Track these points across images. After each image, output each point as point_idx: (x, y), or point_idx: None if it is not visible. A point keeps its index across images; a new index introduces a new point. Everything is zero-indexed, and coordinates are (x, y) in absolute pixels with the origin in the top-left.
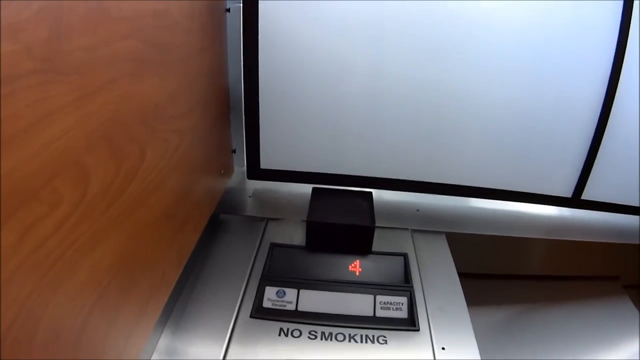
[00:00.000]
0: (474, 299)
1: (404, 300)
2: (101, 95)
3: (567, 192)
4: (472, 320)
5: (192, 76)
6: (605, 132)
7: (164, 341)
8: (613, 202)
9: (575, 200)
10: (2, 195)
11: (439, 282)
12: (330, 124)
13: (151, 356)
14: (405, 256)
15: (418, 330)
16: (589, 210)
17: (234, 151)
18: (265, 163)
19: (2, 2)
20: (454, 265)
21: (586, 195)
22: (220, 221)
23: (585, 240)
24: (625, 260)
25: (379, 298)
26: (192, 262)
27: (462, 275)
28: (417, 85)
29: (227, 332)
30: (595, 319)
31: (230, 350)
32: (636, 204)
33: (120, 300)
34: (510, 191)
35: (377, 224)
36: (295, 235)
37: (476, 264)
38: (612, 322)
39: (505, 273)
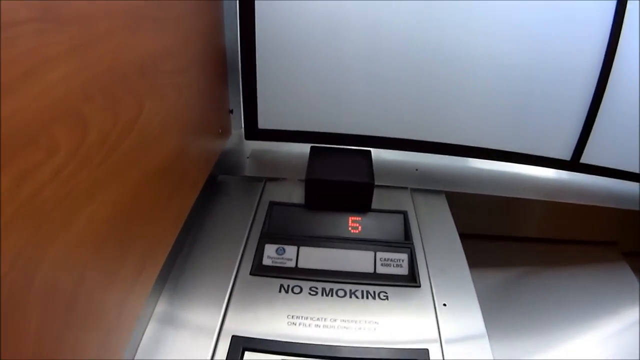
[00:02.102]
0: (471, 260)
1: (404, 257)
2: (99, 45)
3: (565, 155)
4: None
5: (188, 33)
6: (604, 97)
7: (163, 299)
8: (612, 167)
9: (573, 164)
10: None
11: (439, 240)
12: (328, 83)
13: (153, 311)
14: (405, 214)
15: (419, 286)
16: (588, 175)
17: (232, 111)
18: (263, 123)
19: None
20: (453, 224)
21: (585, 159)
22: (219, 182)
23: (583, 204)
24: (624, 227)
25: (379, 255)
26: (190, 222)
27: (460, 235)
28: (416, 44)
29: (227, 290)
30: (594, 284)
31: (230, 306)
32: (635, 170)
33: (118, 254)
34: (509, 152)
35: (376, 183)
36: (294, 194)
37: (475, 224)
38: (610, 288)
39: (504, 234)
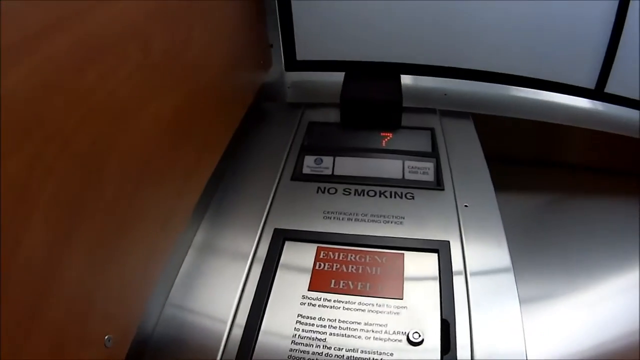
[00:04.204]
0: (500, 183)
1: (430, 165)
2: None
3: (589, 83)
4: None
5: None
6: (625, 26)
7: (215, 201)
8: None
9: (598, 93)
10: (84, 48)
11: (464, 153)
12: (360, 14)
13: (208, 207)
14: (432, 130)
15: (443, 189)
16: (617, 106)
17: (272, 46)
18: (301, 55)
19: None
20: (478, 141)
21: (609, 89)
22: (262, 109)
23: (611, 132)
24: None
25: (407, 163)
26: (236, 141)
27: (488, 157)
28: None
29: (270, 193)
30: (627, 215)
31: (273, 206)
32: None
33: (179, 148)
34: (533, 78)
35: (407, 106)
36: (331, 116)
37: (503, 148)
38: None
39: (533, 158)
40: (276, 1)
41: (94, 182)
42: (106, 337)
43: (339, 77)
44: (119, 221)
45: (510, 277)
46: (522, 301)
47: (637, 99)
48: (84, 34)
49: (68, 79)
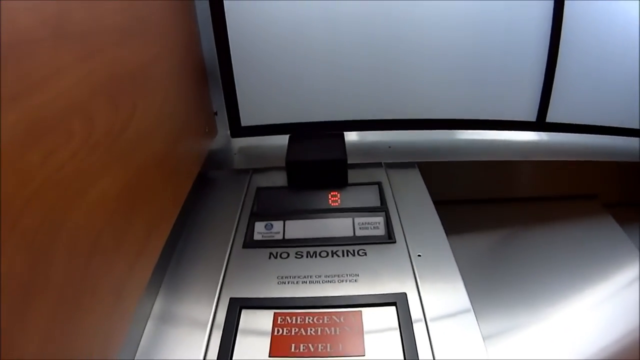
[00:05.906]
0: (452, 226)
1: (380, 219)
2: (97, 57)
3: (531, 116)
4: (453, 248)
5: (169, 46)
6: (559, 54)
7: (169, 272)
8: (578, 122)
9: (540, 124)
10: (29, 125)
11: (412, 203)
12: (299, 78)
13: (161, 283)
14: (379, 184)
15: (395, 242)
16: (558, 133)
17: (216, 113)
18: (245, 121)
19: None
20: (425, 189)
21: (550, 118)
22: (210, 177)
23: (557, 160)
24: (603, 179)
25: (357, 220)
26: (186, 211)
27: (439, 202)
28: (373, 29)
29: (223, 262)
30: (579, 239)
31: (227, 275)
32: (600, 123)
33: (126, 225)
34: (476, 120)
35: (353, 162)
36: (279, 179)
37: (452, 191)
38: (596, 242)
39: (482, 198)
40: (219, 71)
41: (45, 258)
42: None
43: (285, 139)
44: (72, 297)
45: (470, 316)
46: (485, 337)
47: (579, 123)
48: (30, 111)
49: (15, 157)
